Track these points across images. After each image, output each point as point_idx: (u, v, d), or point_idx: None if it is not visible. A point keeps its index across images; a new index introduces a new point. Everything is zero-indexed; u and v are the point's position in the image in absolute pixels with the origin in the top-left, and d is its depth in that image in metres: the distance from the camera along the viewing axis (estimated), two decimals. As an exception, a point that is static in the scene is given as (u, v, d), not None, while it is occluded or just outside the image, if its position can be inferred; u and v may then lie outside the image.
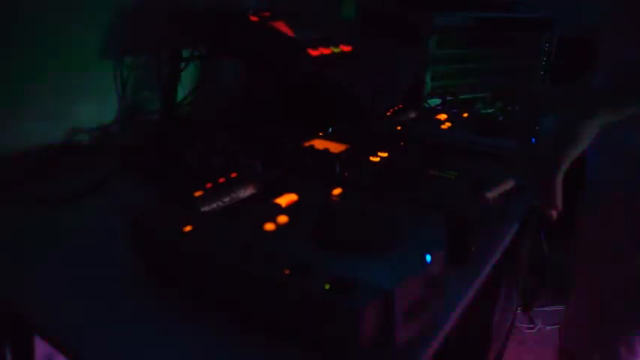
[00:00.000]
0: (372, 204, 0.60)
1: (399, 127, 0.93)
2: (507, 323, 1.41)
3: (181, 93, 1.08)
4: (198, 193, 0.60)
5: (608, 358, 0.95)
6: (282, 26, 0.96)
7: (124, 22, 1.01)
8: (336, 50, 0.98)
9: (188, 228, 0.54)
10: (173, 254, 0.55)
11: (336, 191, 0.63)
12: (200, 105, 1.14)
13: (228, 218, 0.57)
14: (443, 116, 1.00)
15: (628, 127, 0.80)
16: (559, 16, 1.39)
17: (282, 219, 0.56)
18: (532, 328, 1.81)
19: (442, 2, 1.31)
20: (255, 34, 0.94)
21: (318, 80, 1.01)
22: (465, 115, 1.02)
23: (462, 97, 1.26)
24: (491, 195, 0.69)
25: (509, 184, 0.72)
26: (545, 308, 1.85)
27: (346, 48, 1.00)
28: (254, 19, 0.96)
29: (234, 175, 0.65)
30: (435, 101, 1.25)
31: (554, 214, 0.68)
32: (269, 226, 0.54)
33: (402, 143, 0.85)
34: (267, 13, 0.99)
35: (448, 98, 1.22)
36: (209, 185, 0.61)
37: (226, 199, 0.61)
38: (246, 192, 0.63)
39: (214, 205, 0.59)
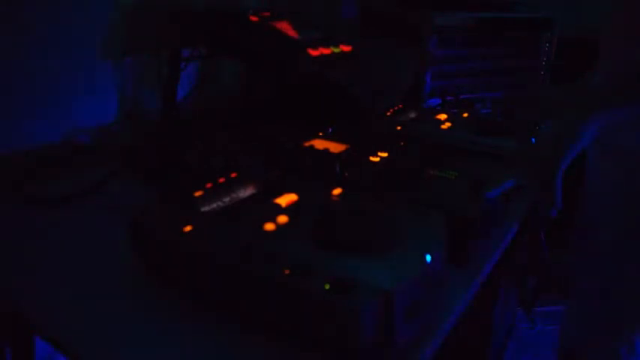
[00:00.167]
0: (372, 204, 0.60)
1: (399, 127, 0.93)
2: (507, 323, 1.41)
3: (181, 93, 1.08)
4: (198, 193, 0.60)
5: (609, 358, 0.95)
6: (282, 26, 0.96)
7: (124, 22, 1.01)
8: (336, 50, 0.98)
9: (188, 228, 0.54)
10: (173, 254, 0.55)
11: (336, 191, 0.63)
12: (200, 105, 1.14)
13: (228, 218, 0.57)
14: (443, 116, 1.00)
15: (628, 127, 0.80)
16: (559, 16, 1.39)
17: (282, 219, 0.56)
18: (532, 328, 1.81)
19: (442, 2, 1.31)
20: (255, 34, 0.94)
21: (318, 80, 1.01)
22: (465, 115, 1.02)
23: (462, 97, 1.26)
24: (491, 195, 0.69)
25: (509, 184, 0.72)
26: (545, 308, 1.85)
27: (346, 48, 1.00)
28: (254, 19, 0.96)
29: (234, 175, 0.65)
30: (435, 101, 1.25)
31: (555, 214, 0.68)
32: (269, 226, 0.54)
33: (402, 143, 0.85)
34: (267, 13, 0.99)
35: (448, 98, 1.22)
36: (209, 185, 0.61)
37: (226, 199, 0.61)
38: (246, 192, 0.63)
39: (214, 205, 0.59)
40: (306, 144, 0.84)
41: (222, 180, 0.63)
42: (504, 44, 1.36)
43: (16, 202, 0.77)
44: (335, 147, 0.83)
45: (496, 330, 1.13)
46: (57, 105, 0.94)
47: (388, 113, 1.01)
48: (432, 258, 0.50)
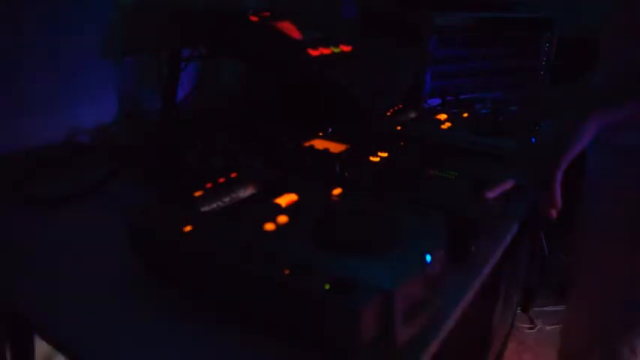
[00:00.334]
0: (372, 204, 0.60)
1: (399, 127, 0.93)
2: (507, 323, 1.41)
3: (181, 93, 1.08)
4: (198, 193, 0.59)
5: (609, 359, 0.95)
6: (282, 26, 0.96)
7: (124, 22, 1.01)
8: (336, 50, 0.98)
9: (188, 228, 0.54)
10: (173, 254, 0.55)
11: (336, 191, 0.63)
12: (200, 105, 1.14)
13: (228, 218, 0.57)
14: (443, 116, 1.00)
15: (628, 127, 0.80)
16: (559, 16, 1.40)
17: (282, 219, 0.56)
18: (532, 328, 1.81)
19: (442, 2, 1.31)
20: (255, 34, 0.94)
21: (318, 80, 1.01)
22: (465, 115, 1.02)
23: (462, 97, 1.26)
24: (491, 195, 0.69)
25: (509, 184, 0.72)
26: (545, 308, 1.85)
27: (346, 48, 1.00)
28: (254, 19, 0.96)
29: (234, 175, 0.65)
30: (435, 101, 1.25)
31: (554, 214, 0.68)
32: (269, 226, 0.54)
33: (402, 143, 0.85)
34: (267, 13, 0.99)
35: (448, 98, 1.22)
36: (209, 185, 0.61)
37: (226, 199, 0.61)
38: (246, 192, 0.63)
39: (214, 205, 0.59)
40: (306, 144, 0.84)
41: (222, 180, 0.63)
42: (504, 44, 1.36)
43: (16, 202, 0.77)
44: (335, 147, 0.83)
45: (496, 330, 1.13)
46: (57, 105, 0.94)
47: (388, 113, 1.01)
48: (432, 258, 0.50)
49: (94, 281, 0.60)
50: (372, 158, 0.79)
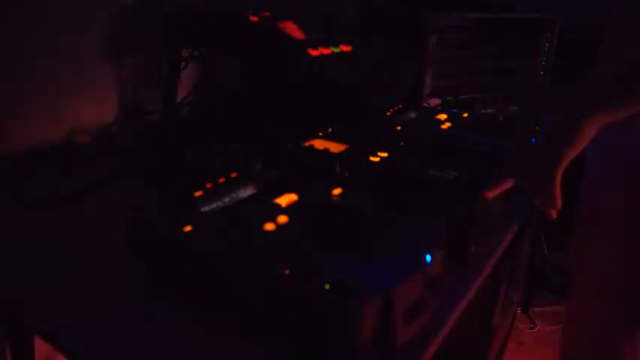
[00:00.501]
0: (372, 204, 0.60)
1: (399, 127, 0.93)
2: (507, 323, 1.41)
3: (181, 93, 1.08)
4: (198, 193, 0.59)
5: (609, 359, 0.95)
6: (282, 26, 0.96)
7: (124, 22, 1.01)
8: (336, 50, 0.98)
9: (188, 228, 0.54)
10: (173, 254, 0.55)
11: (336, 191, 0.63)
12: (200, 105, 1.14)
13: (228, 218, 0.57)
14: (443, 116, 1.00)
15: (628, 127, 0.80)
16: (559, 16, 1.40)
17: (282, 219, 0.56)
18: (532, 328, 1.81)
19: (442, 2, 1.31)
20: (255, 34, 0.94)
21: (318, 80, 1.01)
22: (465, 115, 1.02)
23: (462, 97, 1.26)
24: (491, 195, 0.69)
25: (509, 184, 0.72)
26: (545, 308, 1.85)
27: (346, 48, 1.00)
28: (254, 19, 0.96)
29: (234, 175, 0.65)
30: (435, 101, 1.25)
31: (554, 214, 0.68)
32: (269, 226, 0.54)
33: (402, 143, 0.85)
34: (267, 14, 0.99)
35: (448, 98, 1.22)
36: (209, 185, 0.61)
37: (226, 199, 0.61)
38: (246, 192, 0.63)
39: (214, 205, 0.59)
40: (306, 144, 0.84)
41: (222, 180, 0.63)
42: (504, 44, 1.36)
43: (16, 201, 0.77)
44: (335, 147, 0.83)
45: (496, 330, 1.13)
46: (57, 105, 0.94)
47: (388, 113, 1.01)
48: (432, 258, 0.50)
49: (94, 281, 0.60)
50: (372, 158, 0.79)
